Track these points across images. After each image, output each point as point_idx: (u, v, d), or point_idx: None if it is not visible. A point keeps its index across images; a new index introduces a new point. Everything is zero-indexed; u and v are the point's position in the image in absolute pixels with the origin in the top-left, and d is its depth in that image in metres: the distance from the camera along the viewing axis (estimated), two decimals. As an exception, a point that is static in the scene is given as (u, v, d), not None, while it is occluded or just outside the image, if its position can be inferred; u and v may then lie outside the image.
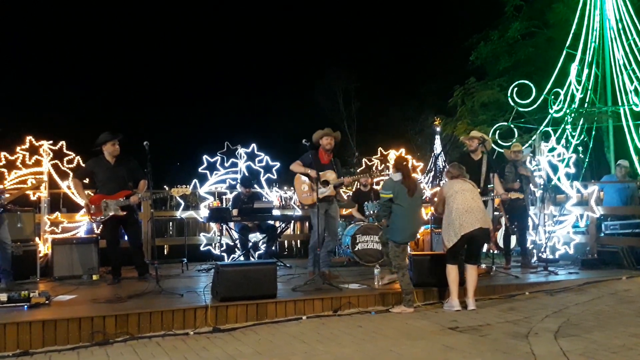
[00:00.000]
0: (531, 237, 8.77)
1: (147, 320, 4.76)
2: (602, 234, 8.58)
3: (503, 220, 8.12)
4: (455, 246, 5.56)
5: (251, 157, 9.24)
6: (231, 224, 8.15)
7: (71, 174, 7.49)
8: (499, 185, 7.19)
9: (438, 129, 28.26)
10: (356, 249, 8.11)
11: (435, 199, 6.06)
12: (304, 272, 6.60)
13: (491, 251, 7.88)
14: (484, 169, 7.28)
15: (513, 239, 8.39)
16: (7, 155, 7.55)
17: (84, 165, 7.13)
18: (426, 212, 9.88)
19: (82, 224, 7.92)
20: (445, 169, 6.47)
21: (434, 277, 6.01)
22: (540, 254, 8.37)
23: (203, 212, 8.80)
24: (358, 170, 10.86)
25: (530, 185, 8.15)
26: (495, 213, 7.97)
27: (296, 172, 6.56)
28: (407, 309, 5.46)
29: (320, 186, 6.34)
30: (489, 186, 7.23)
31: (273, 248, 8.50)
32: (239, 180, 8.75)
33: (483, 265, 7.34)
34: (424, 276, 6.07)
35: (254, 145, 9.34)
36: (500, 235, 8.33)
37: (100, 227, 7.05)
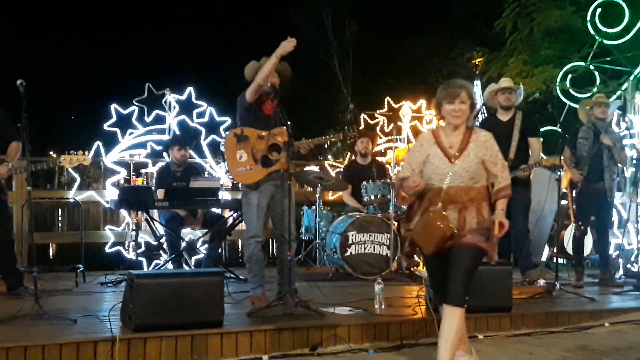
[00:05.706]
0: (616, 240, 8.87)
1: (20, 359, 4.73)
2: None
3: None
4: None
5: (186, 108, 9.19)
6: (155, 213, 8.14)
7: None
8: (537, 153, 7.30)
9: (478, 70, 28.21)
10: (348, 253, 8.14)
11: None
12: (270, 287, 6.57)
13: (554, 260, 7.97)
14: (517, 133, 7.35)
15: (587, 242, 8.49)
16: None
17: None
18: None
19: None
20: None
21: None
22: (629, 266, 8.49)
23: (110, 194, 8.77)
24: (355, 131, 10.70)
25: (615, 160, 8.21)
26: (563, 202, 8.05)
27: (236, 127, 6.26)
28: None
29: (267, 154, 6.13)
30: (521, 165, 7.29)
31: (219, 251, 8.51)
32: (168, 143, 8.71)
33: (542, 282, 7.43)
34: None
35: (191, 89, 9.29)
36: (567, 236, 8.42)
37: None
